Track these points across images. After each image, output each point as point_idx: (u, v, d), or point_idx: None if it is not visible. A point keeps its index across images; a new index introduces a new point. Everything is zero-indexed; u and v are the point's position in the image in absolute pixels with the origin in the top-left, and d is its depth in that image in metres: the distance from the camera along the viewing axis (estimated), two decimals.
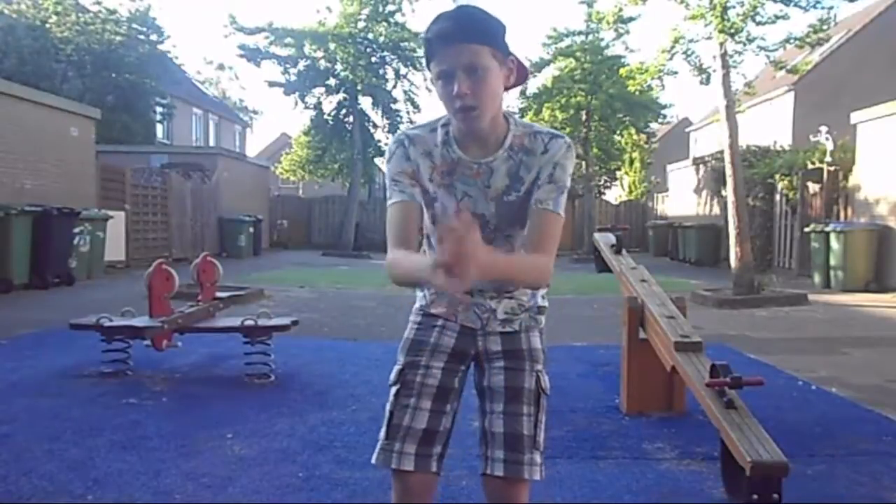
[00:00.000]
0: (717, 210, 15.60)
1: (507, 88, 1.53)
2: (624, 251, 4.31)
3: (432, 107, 38.55)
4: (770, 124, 22.26)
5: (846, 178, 11.31)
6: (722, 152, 10.03)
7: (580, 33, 18.71)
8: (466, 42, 1.42)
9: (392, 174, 1.58)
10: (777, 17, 8.92)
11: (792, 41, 9.17)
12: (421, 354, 1.64)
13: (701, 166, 17.65)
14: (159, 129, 25.55)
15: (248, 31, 19.18)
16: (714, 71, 9.08)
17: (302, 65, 20.01)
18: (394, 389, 1.62)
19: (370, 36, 19.57)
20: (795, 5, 8.98)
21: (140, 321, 4.30)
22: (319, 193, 25.36)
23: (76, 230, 9.78)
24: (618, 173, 26.93)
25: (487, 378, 1.65)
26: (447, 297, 1.67)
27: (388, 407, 1.61)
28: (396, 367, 1.65)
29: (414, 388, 1.60)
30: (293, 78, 20.16)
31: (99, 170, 12.47)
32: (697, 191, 17.80)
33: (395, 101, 21.17)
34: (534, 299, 1.70)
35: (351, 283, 11.04)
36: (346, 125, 21.24)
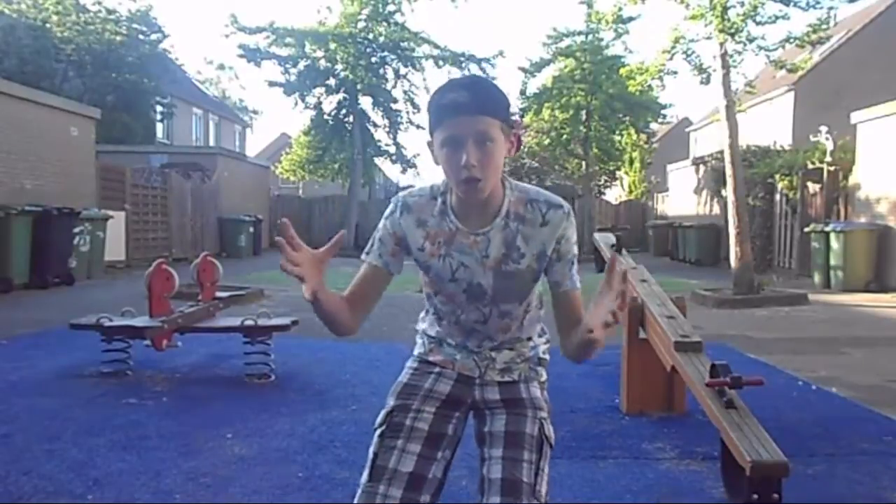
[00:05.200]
0: (717, 210, 15.60)
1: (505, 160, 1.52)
2: (624, 251, 4.31)
3: None
4: (770, 124, 22.25)
5: (846, 178, 11.31)
6: (722, 152, 10.03)
7: (580, 33, 18.68)
8: (481, 114, 1.40)
9: (380, 234, 1.58)
10: (777, 17, 8.93)
11: (792, 41, 9.17)
12: (412, 399, 1.57)
13: (701, 166, 17.64)
14: (159, 128, 25.57)
15: (249, 31, 19.17)
16: (714, 71, 9.08)
17: (302, 65, 20.00)
18: (379, 431, 1.53)
19: (370, 36, 19.56)
20: (795, 5, 8.99)
21: (140, 321, 4.31)
22: (319, 193, 25.34)
23: (76, 230, 9.79)
24: (618, 173, 26.91)
25: (489, 424, 1.56)
26: (444, 347, 1.64)
27: (371, 449, 1.51)
28: (384, 410, 1.57)
29: (402, 430, 1.50)
30: (293, 78, 20.14)
31: (99, 170, 12.48)
32: (697, 191, 17.79)
33: (395, 101, 21.16)
34: (534, 350, 1.66)
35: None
36: (346, 125, 21.23)
